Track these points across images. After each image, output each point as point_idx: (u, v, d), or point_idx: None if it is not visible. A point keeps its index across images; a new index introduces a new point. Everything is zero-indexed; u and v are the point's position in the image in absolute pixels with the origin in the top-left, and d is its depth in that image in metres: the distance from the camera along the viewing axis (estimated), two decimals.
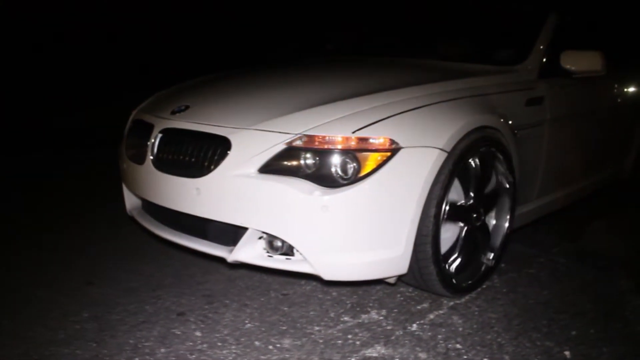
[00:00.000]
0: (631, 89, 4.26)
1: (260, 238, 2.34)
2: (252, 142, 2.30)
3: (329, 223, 2.18)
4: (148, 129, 2.64)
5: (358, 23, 4.48)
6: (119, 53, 10.18)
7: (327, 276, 2.29)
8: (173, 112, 2.62)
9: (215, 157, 2.33)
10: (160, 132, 2.56)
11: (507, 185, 2.75)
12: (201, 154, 2.40)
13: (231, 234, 2.39)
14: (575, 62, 3.20)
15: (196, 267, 2.92)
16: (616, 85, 4.01)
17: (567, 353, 2.25)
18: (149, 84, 4.40)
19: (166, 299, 2.62)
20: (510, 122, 2.76)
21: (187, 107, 2.62)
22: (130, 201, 2.93)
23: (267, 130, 2.30)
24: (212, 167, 2.32)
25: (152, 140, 2.56)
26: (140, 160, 2.62)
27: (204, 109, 2.59)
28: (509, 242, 2.97)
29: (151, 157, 2.55)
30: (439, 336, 2.31)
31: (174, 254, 3.00)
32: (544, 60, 3.23)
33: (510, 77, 2.99)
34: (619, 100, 4.04)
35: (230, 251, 2.37)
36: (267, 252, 2.35)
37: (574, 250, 3.37)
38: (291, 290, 2.70)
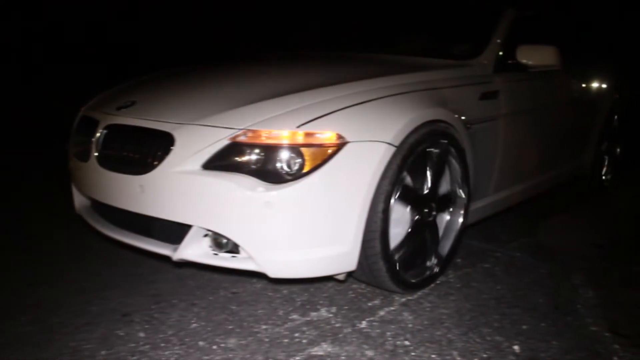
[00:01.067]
0: (590, 84, 4.28)
1: (205, 236, 2.29)
2: (196, 138, 2.24)
3: (273, 220, 2.14)
4: (93, 125, 2.57)
5: (319, 19, 4.44)
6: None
7: (272, 274, 2.24)
8: (119, 108, 2.55)
9: (159, 154, 2.27)
10: (104, 128, 2.49)
11: (461, 185, 2.72)
12: (145, 151, 2.34)
13: (177, 232, 2.33)
14: (531, 56, 3.20)
15: (146, 266, 2.85)
16: (574, 81, 4.03)
17: (516, 347, 2.24)
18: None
19: (112, 300, 2.55)
20: (463, 116, 2.74)
21: (133, 103, 2.56)
22: (79, 200, 2.86)
23: (211, 126, 2.25)
24: (156, 163, 2.26)
25: (97, 137, 2.49)
26: (85, 157, 2.55)
27: (150, 104, 2.53)
28: (462, 241, 2.97)
29: (95, 154, 2.49)
30: (388, 333, 2.28)
31: (124, 253, 2.93)
32: (500, 54, 3.22)
33: (464, 71, 2.97)
34: (577, 95, 4.06)
35: (175, 249, 2.31)
36: (213, 250, 2.29)
37: (531, 245, 3.38)
38: (241, 289, 2.65)
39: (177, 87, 2.76)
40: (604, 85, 4.55)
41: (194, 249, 2.30)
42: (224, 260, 2.28)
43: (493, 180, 3.14)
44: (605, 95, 4.52)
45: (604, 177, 4.73)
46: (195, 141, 2.24)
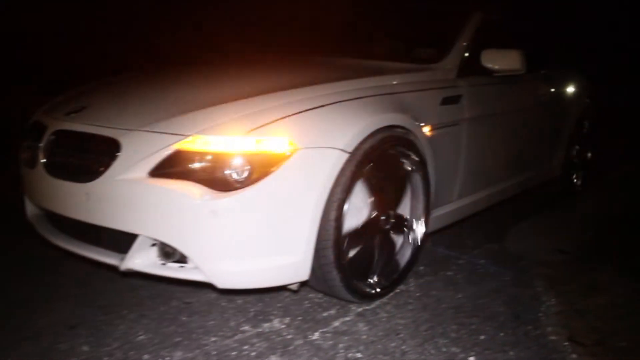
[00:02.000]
0: (559, 89, 4.26)
1: (153, 245, 2.22)
2: (143, 144, 2.18)
3: (220, 229, 2.08)
4: (42, 130, 2.49)
5: (282, 22, 4.38)
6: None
7: (221, 284, 2.18)
8: (68, 113, 2.48)
9: (105, 161, 2.20)
10: (52, 134, 2.41)
11: (421, 192, 2.67)
12: (91, 157, 2.27)
13: (125, 241, 2.25)
14: (495, 60, 3.17)
15: (99, 276, 2.77)
16: (542, 85, 4.00)
17: (471, 359, 2.19)
18: None
19: (61, 311, 2.47)
20: (423, 121, 2.69)
21: (83, 108, 2.48)
22: (30, 208, 2.77)
23: (158, 132, 2.18)
24: (101, 170, 2.19)
25: (44, 143, 2.41)
26: (33, 164, 2.47)
27: (99, 109, 2.46)
28: (426, 247, 2.92)
29: (42, 161, 2.41)
30: (340, 345, 2.22)
31: (78, 262, 2.84)
32: (464, 58, 3.18)
33: (426, 76, 2.92)
34: (545, 99, 4.03)
35: (122, 259, 2.23)
36: (161, 259, 2.23)
37: (496, 251, 3.34)
38: (195, 299, 2.58)
39: (130, 91, 2.69)
40: (574, 90, 4.53)
41: (142, 259, 2.23)
42: (172, 270, 2.22)
43: (457, 186, 3.09)
44: (575, 100, 4.51)
45: (574, 182, 4.70)
46: (142, 148, 2.17)
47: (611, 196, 4.90)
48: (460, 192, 3.13)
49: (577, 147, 4.61)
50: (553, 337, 2.39)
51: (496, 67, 3.16)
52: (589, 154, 4.88)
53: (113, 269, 2.27)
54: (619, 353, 2.31)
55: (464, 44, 3.24)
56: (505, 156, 3.57)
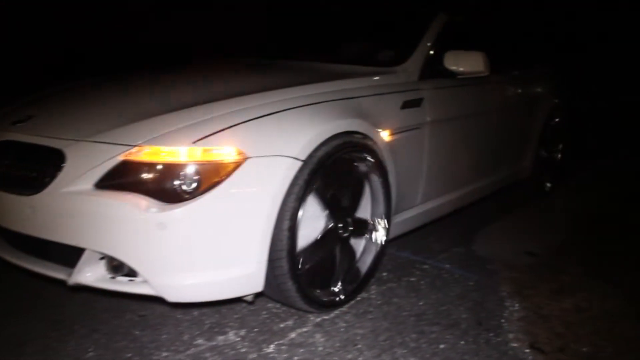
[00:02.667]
0: (527, 89, 4.23)
1: (102, 258, 2.15)
2: (88, 155, 2.11)
3: (168, 242, 2.01)
4: None
5: (243, 24, 4.32)
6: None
7: (171, 298, 2.11)
8: (14, 123, 2.40)
9: (50, 172, 2.13)
10: None
11: (381, 199, 2.63)
12: (36, 169, 2.19)
13: (73, 254, 2.18)
14: (458, 62, 3.13)
15: (55, 289, 2.67)
16: (509, 86, 3.96)
17: None
18: None
19: (11, 327, 2.39)
20: (382, 126, 2.64)
21: (29, 117, 2.41)
22: None
23: (104, 142, 2.11)
24: (47, 183, 2.12)
25: None
26: None
27: (45, 119, 2.39)
28: (391, 252, 2.88)
29: None
30: (295, 358, 2.17)
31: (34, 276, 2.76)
32: (427, 61, 3.13)
33: (386, 79, 2.87)
34: (512, 100, 3.99)
35: (70, 274, 2.16)
36: (110, 273, 2.16)
37: (463, 255, 3.30)
38: (149, 311, 2.52)
39: (78, 100, 2.62)
40: (542, 89, 4.51)
41: (90, 273, 2.16)
42: (122, 284, 2.15)
43: (421, 190, 3.05)
44: (544, 99, 4.48)
45: (544, 182, 4.68)
46: (88, 159, 2.10)
47: (582, 195, 4.89)
48: (424, 196, 3.08)
49: (547, 147, 4.58)
50: (514, 344, 2.35)
51: (459, 69, 3.12)
52: (559, 154, 4.86)
53: (62, 283, 2.19)
54: (580, 359, 2.27)
55: (427, 45, 3.20)
56: (471, 159, 3.53)
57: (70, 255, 2.18)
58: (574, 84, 5.22)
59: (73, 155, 2.12)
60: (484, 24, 4.23)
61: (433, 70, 3.13)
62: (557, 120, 4.66)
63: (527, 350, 2.31)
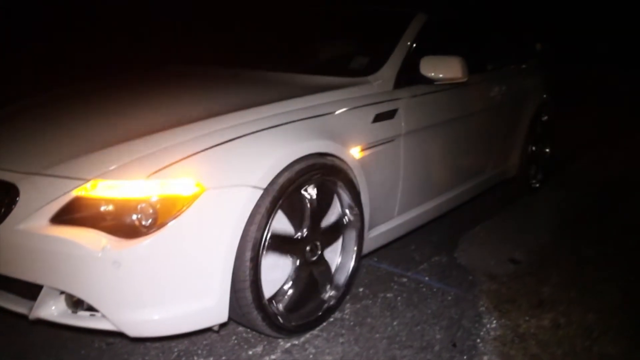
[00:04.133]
0: (512, 87, 4.13)
1: (62, 293, 2.10)
2: (43, 190, 2.05)
3: (124, 278, 1.96)
4: None
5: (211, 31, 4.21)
6: None
7: (132, 333, 2.07)
8: None
9: (3, 208, 2.07)
10: None
11: (352, 217, 2.56)
12: None
13: (34, 288, 2.13)
14: (435, 68, 3.02)
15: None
16: (493, 86, 3.85)
17: None
18: None
19: None
20: (352, 143, 2.56)
21: None
22: None
23: (57, 176, 2.06)
24: (2, 218, 2.06)
25: None
26: None
27: None
28: (371, 264, 2.83)
29: None
30: None
31: None
32: (403, 67, 3.03)
33: (357, 91, 2.77)
34: (497, 100, 3.88)
35: (31, 308, 2.11)
36: (70, 308, 2.11)
37: (443, 265, 3.24)
38: (118, 338, 2.47)
39: (30, 126, 2.53)
40: (530, 86, 4.42)
41: (50, 308, 2.12)
42: (83, 319, 2.11)
43: (397, 203, 2.98)
44: (531, 97, 4.40)
45: (533, 180, 4.61)
46: (42, 193, 2.05)
47: (569, 193, 4.81)
48: (401, 208, 3.02)
49: (535, 144, 4.50)
50: None
51: (437, 75, 3.01)
52: (548, 150, 4.78)
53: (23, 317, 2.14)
54: None
55: (403, 51, 3.10)
56: (452, 164, 3.46)
57: (31, 289, 2.13)
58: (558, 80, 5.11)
59: (27, 189, 2.06)
60: (466, 21, 4.13)
61: (409, 77, 3.03)
62: (544, 116, 4.57)
63: None
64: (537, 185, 4.68)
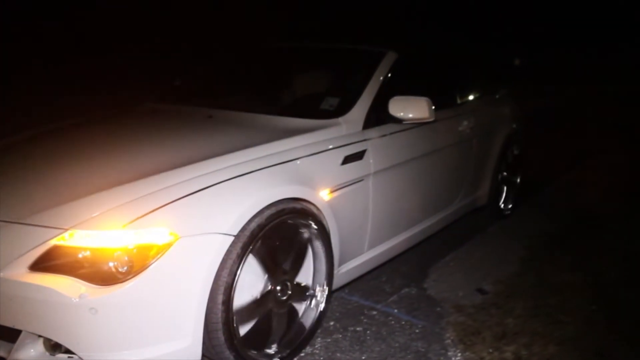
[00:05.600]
0: (482, 119, 4.26)
1: (40, 337, 2.19)
2: (21, 238, 2.15)
3: (102, 324, 2.06)
4: None
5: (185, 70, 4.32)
6: None
7: None
8: None
9: None
10: None
11: (322, 253, 2.68)
12: None
13: (13, 331, 2.22)
14: (403, 109, 3.14)
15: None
16: (462, 120, 3.98)
17: None
18: None
19: None
20: (321, 186, 2.69)
21: None
22: None
23: (35, 225, 2.16)
24: None
25: None
26: None
27: None
28: (342, 297, 2.94)
29: None
30: None
31: None
32: (372, 107, 3.16)
33: (327, 133, 2.89)
34: (466, 133, 4.01)
35: (10, 350, 2.21)
36: (48, 351, 2.20)
37: (412, 297, 3.36)
38: None
39: (13, 170, 2.62)
40: (499, 117, 4.58)
41: (29, 351, 2.21)
42: None
43: (367, 239, 3.10)
44: (501, 127, 4.55)
45: (502, 206, 4.76)
46: (21, 242, 2.15)
47: (540, 217, 4.95)
48: (371, 243, 3.14)
49: (505, 172, 4.65)
50: None
51: (406, 115, 3.12)
52: (518, 179, 4.94)
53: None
54: None
55: (372, 92, 3.22)
56: (421, 198, 3.59)
57: (10, 333, 2.22)
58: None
59: (6, 237, 2.16)
60: (438, 54, 4.28)
61: (378, 117, 3.16)
62: (514, 145, 4.73)
63: None
64: (508, 211, 4.83)
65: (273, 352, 2.56)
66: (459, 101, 4.15)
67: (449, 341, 2.89)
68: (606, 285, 3.62)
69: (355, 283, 3.34)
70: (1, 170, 2.64)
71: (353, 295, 3.34)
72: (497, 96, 4.77)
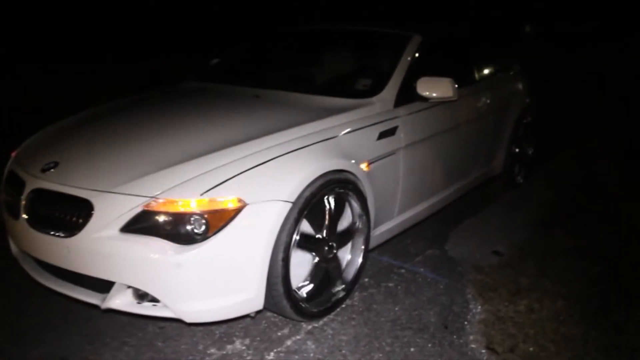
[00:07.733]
0: (498, 95, 4.61)
1: (129, 287, 2.60)
2: (113, 205, 2.53)
3: (184, 277, 2.46)
4: (21, 185, 2.81)
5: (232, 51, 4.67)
6: None
7: (189, 320, 2.58)
8: (43, 170, 2.79)
9: (80, 220, 2.55)
10: (31, 191, 2.74)
11: (360, 225, 3.07)
12: (68, 215, 2.61)
13: (105, 283, 2.62)
14: (430, 89, 3.48)
15: (81, 305, 3.09)
16: (481, 97, 4.34)
17: None
18: None
19: (51, 342, 2.82)
20: (361, 159, 3.06)
21: (56, 164, 2.80)
22: (14, 246, 3.11)
23: (125, 194, 2.54)
24: (79, 228, 2.54)
25: (24, 200, 2.74)
26: (16, 215, 2.80)
27: (71, 167, 2.77)
28: (373, 257, 3.32)
29: (25, 216, 2.73)
30: None
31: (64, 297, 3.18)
32: (402, 88, 3.51)
33: (363, 112, 3.26)
34: (485, 109, 4.37)
35: (103, 299, 2.61)
36: (136, 300, 2.61)
37: (436, 258, 3.76)
38: (167, 323, 2.97)
39: (95, 144, 2.99)
40: (514, 91, 4.93)
41: (120, 300, 2.61)
42: (147, 309, 2.61)
43: (397, 204, 3.49)
44: (515, 101, 4.90)
45: (517, 177, 5.12)
46: (113, 208, 2.53)
47: (551, 187, 5.32)
48: (400, 210, 3.53)
49: (518, 144, 5.01)
50: (473, 346, 2.83)
51: (431, 94, 3.47)
52: (531, 150, 5.30)
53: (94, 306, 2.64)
54: (526, 358, 2.75)
55: (401, 73, 3.57)
56: (444, 169, 3.96)
57: (104, 282, 2.63)
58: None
59: (100, 204, 2.54)
60: (457, 37, 4.61)
61: (406, 96, 3.51)
62: (528, 118, 5.08)
63: (483, 351, 2.78)
64: (521, 181, 5.20)
65: (321, 303, 2.96)
66: (477, 79, 4.48)
67: (469, 296, 3.29)
68: (608, 249, 4.00)
69: (384, 246, 3.72)
70: (88, 143, 3.03)
71: (383, 256, 3.73)
72: (511, 73, 5.09)
